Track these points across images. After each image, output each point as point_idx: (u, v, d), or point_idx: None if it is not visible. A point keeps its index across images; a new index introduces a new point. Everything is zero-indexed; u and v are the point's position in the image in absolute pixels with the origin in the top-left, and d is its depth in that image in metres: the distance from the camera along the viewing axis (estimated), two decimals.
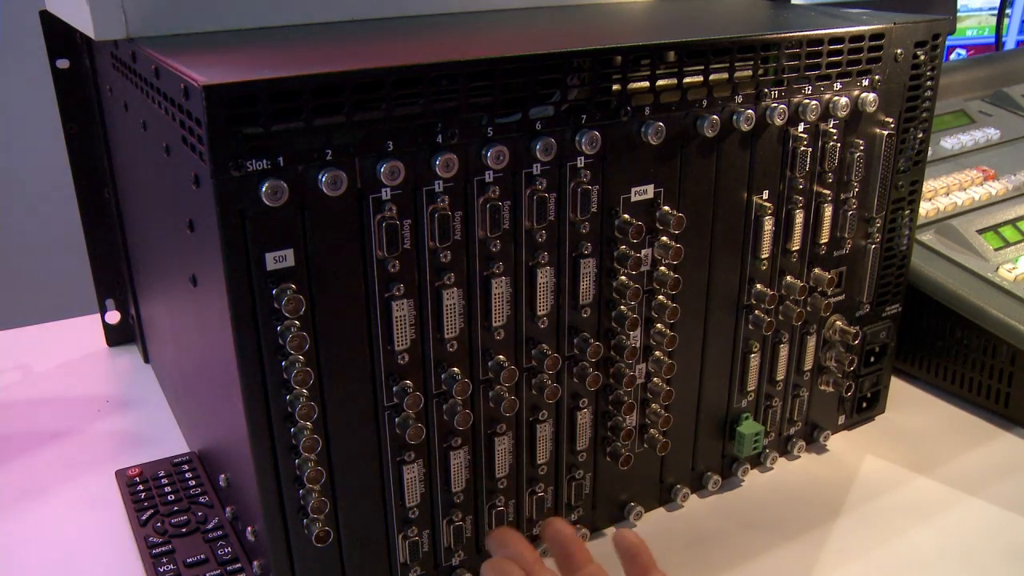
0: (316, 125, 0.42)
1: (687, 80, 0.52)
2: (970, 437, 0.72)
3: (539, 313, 0.52)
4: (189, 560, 0.56)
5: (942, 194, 0.82)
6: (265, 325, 0.44)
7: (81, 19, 0.57)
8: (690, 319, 0.59)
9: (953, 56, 2.27)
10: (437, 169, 0.45)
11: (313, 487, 0.48)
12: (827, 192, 0.61)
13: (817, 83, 0.57)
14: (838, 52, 0.57)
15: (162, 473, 0.65)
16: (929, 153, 0.67)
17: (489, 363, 0.51)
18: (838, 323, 0.67)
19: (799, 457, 0.69)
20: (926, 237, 0.78)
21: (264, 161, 0.41)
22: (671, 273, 0.55)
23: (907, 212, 0.67)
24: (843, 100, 0.58)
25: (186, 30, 0.57)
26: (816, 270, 0.63)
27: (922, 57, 0.62)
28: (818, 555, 0.59)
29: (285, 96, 0.41)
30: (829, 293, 0.64)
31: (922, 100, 0.64)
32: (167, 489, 0.63)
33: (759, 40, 0.54)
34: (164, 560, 0.56)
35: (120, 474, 0.65)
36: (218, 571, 0.55)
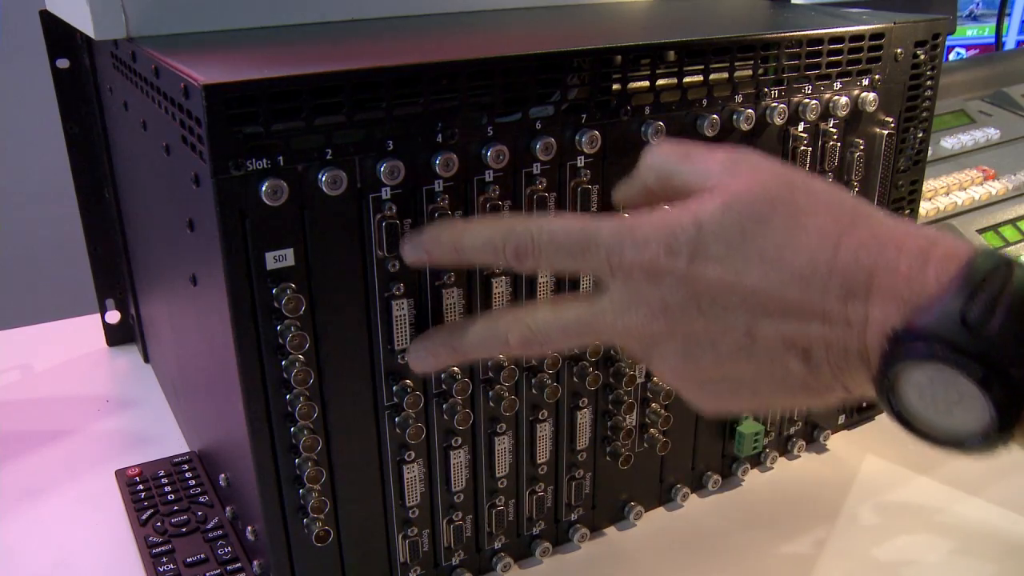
0: (316, 125, 0.42)
1: (687, 80, 0.52)
2: None
3: None
4: (189, 560, 0.56)
5: (942, 194, 0.82)
6: (265, 324, 0.44)
7: (81, 19, 0.57)
8: None
9: (953, 56, 2.27)
10: (437, 169, 0.45)
11: (313, 487, 0.48)
12: None
13: (817, 83, 0.57)
14: (838, 52, 0.57)
15: (162, 473, 0.65)
16: (929, 153, 0.67)
17: (489, 363, 0.51)
18: None
19: (799, 457, 0.69)
20: None
21: (264, 161, 0.41)
22: None
23: (907, 212, 0.67)
24: (843, 100, 0.58)
25: (186, 30, 0.57)
26: None
27: (922, 57, 0.62)
28: (818, 555, 0.59)
29: (285, 96, 0.41)
30: None
31: (922, 100, 0.64)
32: (167, 489, 0.63)
33: (759, 40, 0.54)
34: (164, 560, 0.56)
35: (120, 474, 0.65)
36: (218, 571, 0.55)
